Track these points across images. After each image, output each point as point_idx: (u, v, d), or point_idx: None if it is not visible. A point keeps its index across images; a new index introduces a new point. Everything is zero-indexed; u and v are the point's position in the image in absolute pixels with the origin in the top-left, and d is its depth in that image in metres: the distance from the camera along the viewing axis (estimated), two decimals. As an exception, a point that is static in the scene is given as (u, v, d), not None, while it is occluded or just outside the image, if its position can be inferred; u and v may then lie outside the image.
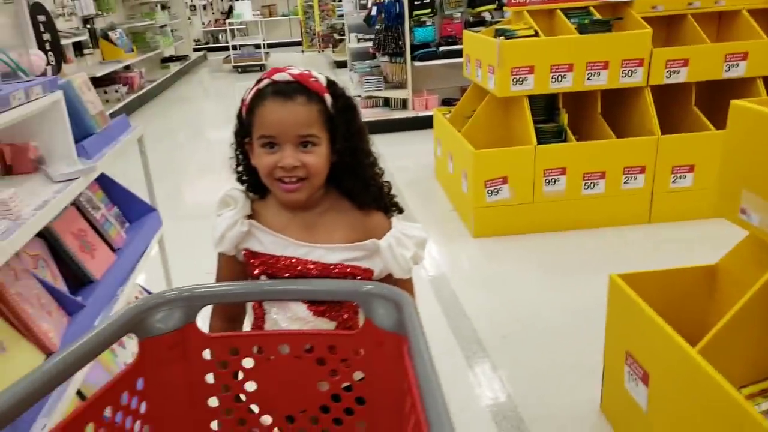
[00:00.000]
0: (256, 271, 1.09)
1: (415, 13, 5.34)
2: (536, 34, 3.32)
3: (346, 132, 1.05)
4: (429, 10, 5.38)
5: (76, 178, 1.54)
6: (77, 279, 1.78)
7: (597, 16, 3.48)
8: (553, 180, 3.26)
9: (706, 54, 3.34)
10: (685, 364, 1.45)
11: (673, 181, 3.32)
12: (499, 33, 3.40)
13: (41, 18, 2.71)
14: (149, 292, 2.35)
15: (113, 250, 1.95)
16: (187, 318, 1.04)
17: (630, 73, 3.31)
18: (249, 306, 1.18)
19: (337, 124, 1.04)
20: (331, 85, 1.05)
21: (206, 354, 1.05)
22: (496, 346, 2.35)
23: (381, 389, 1.03)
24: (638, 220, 3.36)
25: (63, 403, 1.37)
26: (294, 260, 1.07)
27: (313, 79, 1.03)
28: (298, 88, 1.01)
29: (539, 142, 3.23)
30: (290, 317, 1.11)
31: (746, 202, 1.53)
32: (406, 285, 1.11)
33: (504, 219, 3.28)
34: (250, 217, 1.12)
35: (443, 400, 0.70)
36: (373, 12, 5.59)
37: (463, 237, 3.34)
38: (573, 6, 3.53)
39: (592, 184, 3.29)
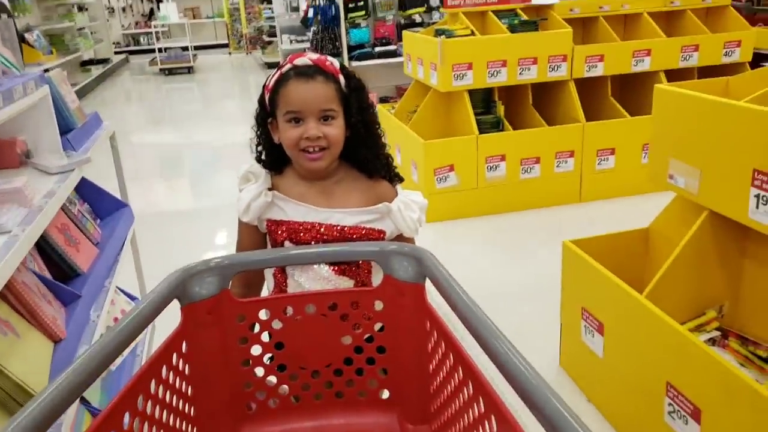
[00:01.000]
0: (281, 238, 1.22)
1: (350, 15, 5.50)
2: (473, 34, 3.57)
3: (359, 107, 1.21)
4: (363, 13, 5.55)
5: (72, 170, 1.58)
6: (61, 272, 1.80)
7: (524, 17, 3.78)
8: (494, 166, 3.52)
9: (618, 51, 3.74)
10: (636, 310, 1.70)
11: (598, 164, 3.68)
12: (438, 33, 3.62)
13: (4, 16, 2.64)
14: (123, 291, 2.36)
15: (94, 244, 1.97)
16: (222, 285, 1.13)
17: (556, 68, 3.63)
18: (268, 273, 1.30)
19: (351, 101, 1.20)
20: (343, 68, 1.21)
21: (239, 318, 1.16)
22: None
23: (400, 336, 1.18)
24: (570, 200, 3.71)
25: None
26: (316, 224, 1.22)
27: (328, 62, 1.19)
28: (317, 70, 1.16)
29: (480, 133, 3.48)
30: (313, 277, 1.24)
31: (673, 168, 1.80)
32: (413, 243, 1.29)
33: (453, 204, 3.51)
34: (270, 190, 1.24)
35: (487, 317, 0.86)
36: (310, 14, 5.70)
37: (416, 223, 3.53)
38: (502, 8, 3.82)
39: (528, 169, 3.58)
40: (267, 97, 1.20)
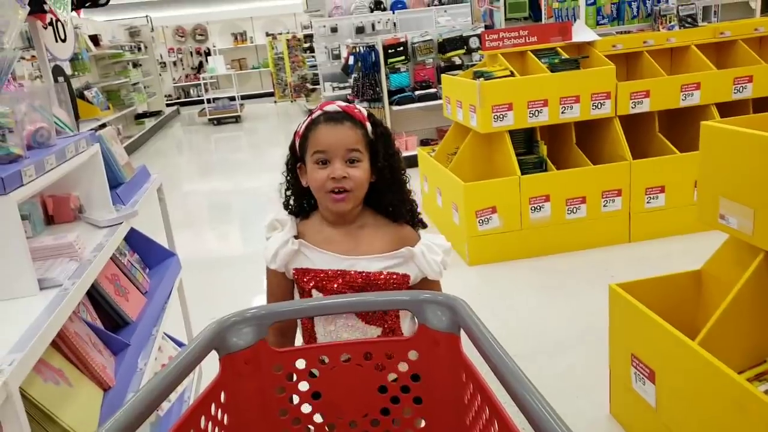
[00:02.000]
0: (308, 286, 1.26)
1: (390, 60, 5.64)
2: (512, 74, 3.59)
3: (385, 153, 1.26)
4: (403, 57, 5.69)
5: (121, 223, 1.65)
6: (111, 320, 1.86)
7: (564, 55, 3.77)
8: (538, 207, 3.47)
9: (665, 86, 3.66)
10: (690, 358, 1.61)
11: (648, 202, 3.57)
12: (477, 75, 3.65)
13: (60, 79, 2.88)
14: (170, 337, 2.42)
15: (142, 293, 2.04)
16: (259, 335, 1.15)
17: (599, 106, 3.59)
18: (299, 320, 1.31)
19: (377, 147, 1.25)
20: (371, 116, 1.27)
21: (276, 368, 1.17)
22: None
23: (436, 387, 1.16)
24: (619, 240, 3.59)
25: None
26: (341, 272, 1.25)
27: (357, 110, 1.26)
28: (345, 116, 1.23)
29: (522, 173, 3.46)
30: (342, 326, 1.26)
31: (724, 208, 1.73)
32: (437, 287, 1.32)
33: (496, 246, 3.47)
34: (296, 238, 1.28)
35: (522, 372, 0.83)
36: (351, 61, 5.87)
37: (459, 266, 3.50)
38: (542, 47, 3.83)
39: (574, 209, 3.51)
40: (297, 142, 1.27)
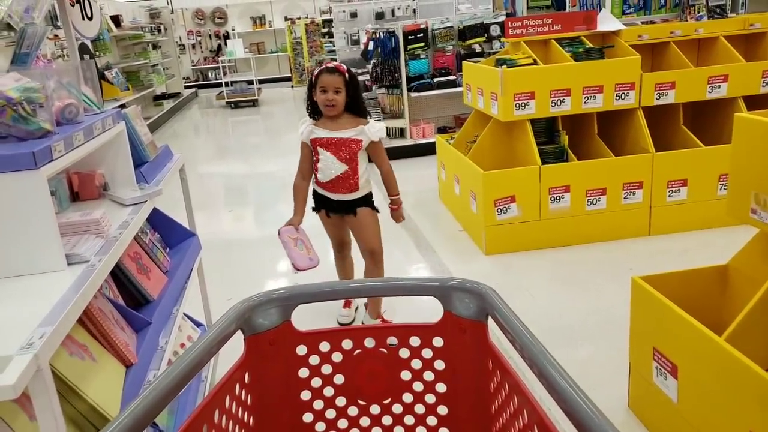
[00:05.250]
0: (317, 147, 2.48)
1: (410, 47, 5.59)
2: (535, 63, 3.53)
3: (354, 87, 2.43)
4: (423, 44, 5.63)
5: (145, 202, 1.65)
6: (133, 299, 1.87)
7: (589, 44, 3.71)
8: (557, 197, 3.43)
9: (691, 77, 3.58)
10: (715, 354, 1.58)
11: (669, 195, 3.52)
12: (500, 62, 3.60)
13: (86, 57, 2.90)
14: (188, 317, 2.43)
15: (163, 272, 2.04)
16: (284, 316, 1.15)
17: (623, 96, 3.53)
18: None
19: (350, 84, 2.42)
20: (347, 70, 2.43)
21: (300, 350, 1.16)
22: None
23: (461, 374, 1.15)
24: (639, 233, 3.55)
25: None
26: (332, 138, 2.45)
27: (341, 67, 2.41)
28: (335, 70, 2.39)
29: (542, 163, 3.42)
30: (331, 162, 2.48)
31: (757, 202, 1.69)
32: (381, 148, 2.54)
33: (514, 236, 3.44)
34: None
35: (554, 359, 0.82)
36: (370, 47, 5.82)
37: (476, 254, 3.48)
38: (566, 36, 3.77)
39: (594, 200, 3.47)
40: (312, 80, 2.44)
